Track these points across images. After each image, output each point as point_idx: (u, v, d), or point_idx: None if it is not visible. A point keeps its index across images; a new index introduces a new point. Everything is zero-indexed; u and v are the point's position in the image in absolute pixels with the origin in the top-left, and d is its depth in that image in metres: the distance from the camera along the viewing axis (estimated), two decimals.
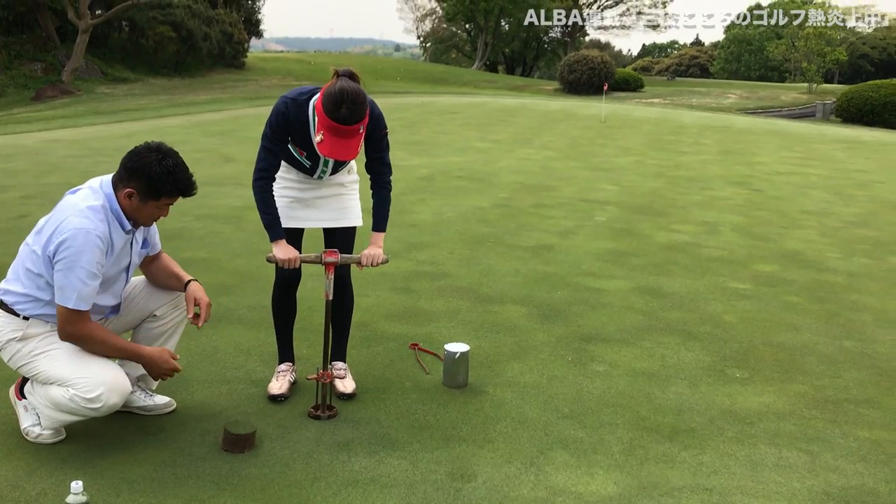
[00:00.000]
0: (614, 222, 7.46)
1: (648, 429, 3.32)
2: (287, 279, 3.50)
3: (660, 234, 7.04)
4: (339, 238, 3.51)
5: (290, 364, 3.59)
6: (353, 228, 3.57)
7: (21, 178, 8.95)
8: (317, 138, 3.09)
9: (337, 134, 3.02)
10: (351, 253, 3.50)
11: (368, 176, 3.48)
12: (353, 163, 3.53)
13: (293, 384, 3.56)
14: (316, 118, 3.12)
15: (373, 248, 3.38)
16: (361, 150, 3.30)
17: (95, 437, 3.06)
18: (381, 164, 3.42)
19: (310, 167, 3.38)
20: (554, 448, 3.13)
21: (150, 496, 2.69)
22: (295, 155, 3.34)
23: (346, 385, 3.57)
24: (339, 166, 3.45)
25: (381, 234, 3.45)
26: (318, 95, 3.16)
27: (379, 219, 3.45)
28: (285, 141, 3.26)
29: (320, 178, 3.44)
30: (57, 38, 29.36)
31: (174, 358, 3.08)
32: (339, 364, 3.65)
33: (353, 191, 3.58)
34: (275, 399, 3.42)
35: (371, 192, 3.47)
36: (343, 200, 3.53)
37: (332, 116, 2.98)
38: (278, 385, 3.48)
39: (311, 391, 3.43)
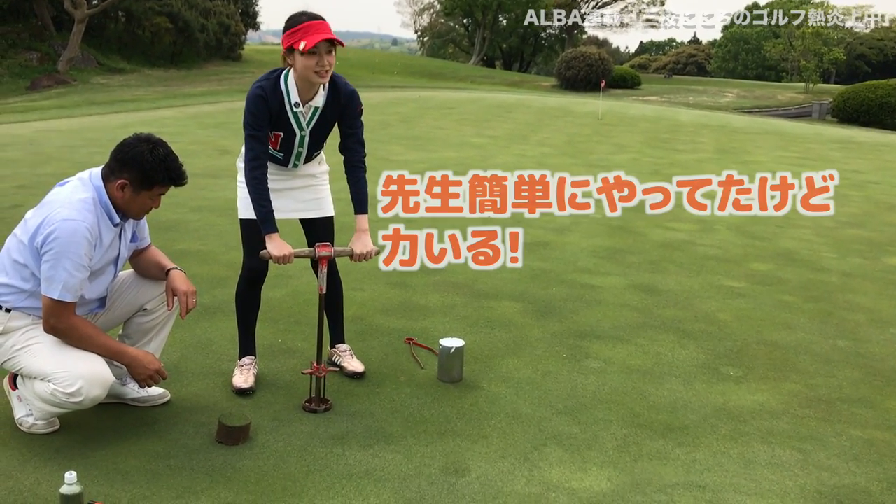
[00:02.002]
0: (610, 219, 7.45)
1: (642, 426, 3.33)
2: (256, 273, 3.52)
3: (655, 231, 7.05)
4: (321, 229, 3.58)
5: (253, 357, 3.59)
6: (331, 218, 3.63)
7: (16, 167, 8.91)
8: (301, 45, 3.13)
9: (313, 31, 3.14)
10: (334, 243, 3.52)
11: (342, 156, 3.50)
12: (323, 154, 3.62)
13: (256, 377, 3.56)
14: (294, 82, 3.25)
15: (361, 237, 3.42)
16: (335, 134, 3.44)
17: (89, 427, 3.06)
18: (355, 142, 3.46)
19: (283, 158, 3.45)
20: (548, 444, 3.13)
21: (143, 487, 2.68)
22: (269, 149, 3.38)
23: (356, 365, 3.67)
24: (312, 152, 3.50)
25: (366, 216, 3.49)
26: (284, 70, 3.29)
27: (360, 201, 3.49)
28: (267, 125, 3.30)
29: (295, 166, 3.50)
30: (53, 28, 29.22)
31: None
32: (343, 346, 3.75)
33: (325, 181, 3.64)
34: (243, 392, 3.42)
35: (346, 174, 3.50)
36: (316, 191, 3.59)
37: (299, 21, 3.17)
38: (243, 378, 3.47)
39: (306, 384, 3.43)
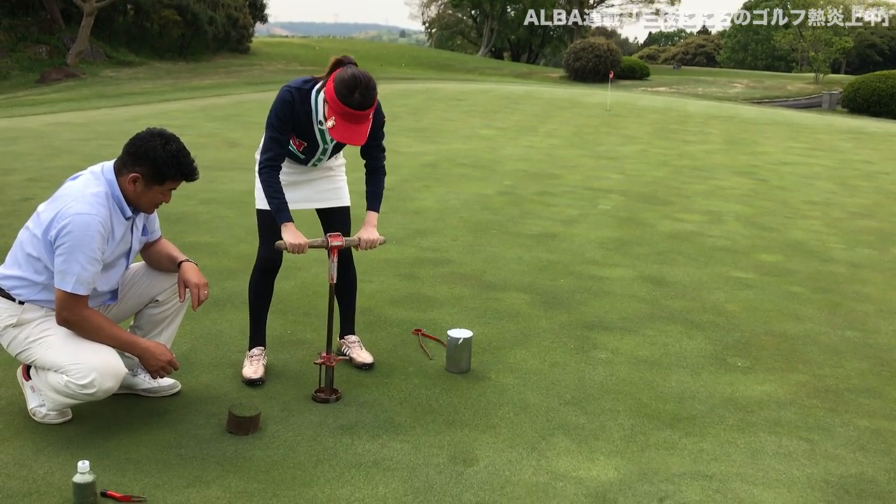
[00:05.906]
0: (618, 211, 7.46)
1: (649, 416, 3.35)
2: (270, 264, 3.54)
3: (664, 222, 7.05)
4: (337, 219, 3.61)
5: (263, 348, 3.62)
6: (348, 208, 3.66)
7: (26, 160, 8.96)
8: (328, 124, 3.13)
9: (349, 119, 3.10)
10: (349, 233, 3.56)
11: (363, 160, 3.54)
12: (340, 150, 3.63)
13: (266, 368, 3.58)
14: (325, 105, 3.18)
15: (368, 229, 3.45)
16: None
17: (101, 417, 3.09)
18: (379, 150, 3.52)
19: (304, 159, 3.48)
20: (555, 433, 3.15)
21: (155, 476, 2.72)
22: (291, 149, 3.41)
23: (365, 356, 3.70)
24: (332, 156, 3.53)
25: (376, 214, 3.52)
26: (320, 84, 3.25)
27: (374, 198, 3.52)
28: (291, 130, 3.31)
29: (314, 166, 3.53)
30: (62, 21, 29.28)
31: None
32: (352, 337, 3.77)
33: (341, 173, 3.67)
34: (253, 383, 3.44)
35: (366, 173, 3.55)
36: (333, 181, 3.62)
37: (345, 102, 3.06)
38: (253, 369, 3.50)
39: (314, 374, 3.46)
